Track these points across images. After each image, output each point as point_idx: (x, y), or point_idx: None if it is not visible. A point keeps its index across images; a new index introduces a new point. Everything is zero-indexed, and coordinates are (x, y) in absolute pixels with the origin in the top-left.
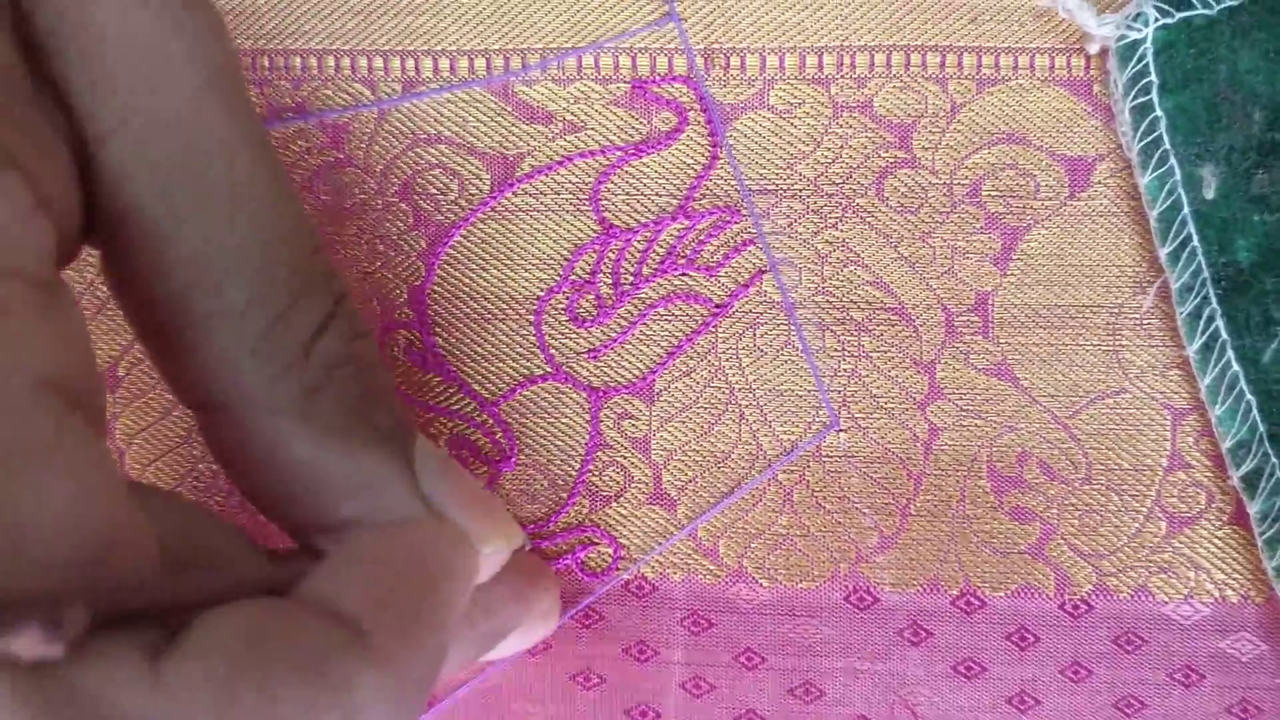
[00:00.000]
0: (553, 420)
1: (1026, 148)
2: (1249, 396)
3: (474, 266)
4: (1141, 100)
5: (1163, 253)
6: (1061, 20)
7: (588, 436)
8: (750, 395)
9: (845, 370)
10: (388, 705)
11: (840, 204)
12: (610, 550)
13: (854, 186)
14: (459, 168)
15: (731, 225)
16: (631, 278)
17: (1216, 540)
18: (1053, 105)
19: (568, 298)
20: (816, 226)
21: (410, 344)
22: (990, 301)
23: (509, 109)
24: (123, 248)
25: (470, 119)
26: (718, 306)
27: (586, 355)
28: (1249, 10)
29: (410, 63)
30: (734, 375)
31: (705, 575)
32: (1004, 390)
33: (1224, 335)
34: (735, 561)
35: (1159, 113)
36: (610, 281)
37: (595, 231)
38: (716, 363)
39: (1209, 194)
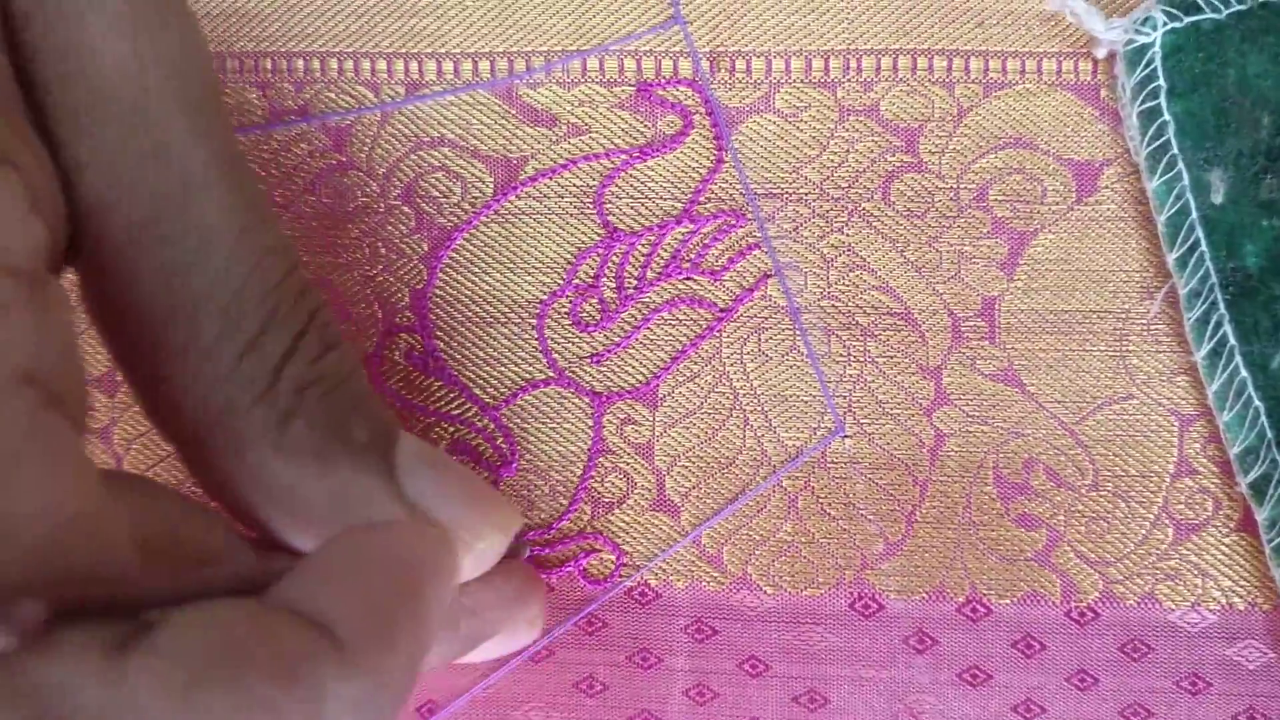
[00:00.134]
0: (555, 425)
1: (1033, 152)
2: (1257, 402)
3: (476, 270)
4: (1149, 105)
5: (1170, 258)
6: (1069, 24)
7: (590, 442)
8: (755, 401)
9: (851, 376)
10: (361, 713)
11: (846, 208)
12: (613, 557)
13: (860, 190)
14: (462, 171)
15: (736, 229)
16: (635, 282)
17: (1224, 547)
18: (1060, 109)
19: (571, 302)
20: (822, 231)
21: (411, 348)
22: (997, 307)
23: (513, 112)
24: (95, 276)
25: (474, 122)
26: (722, 311)
27: (589, 360)
28: (1258, 14)
29: (414, 65)
30: (738, 380)
31: (709, 582)
32: (1010, 396)
33: (1232, 341)
34: (739, 568)
35: (1167, 117)
36: (614, 285)
37: (599, 235)
38: (721, 368)
39: (1217, 199)
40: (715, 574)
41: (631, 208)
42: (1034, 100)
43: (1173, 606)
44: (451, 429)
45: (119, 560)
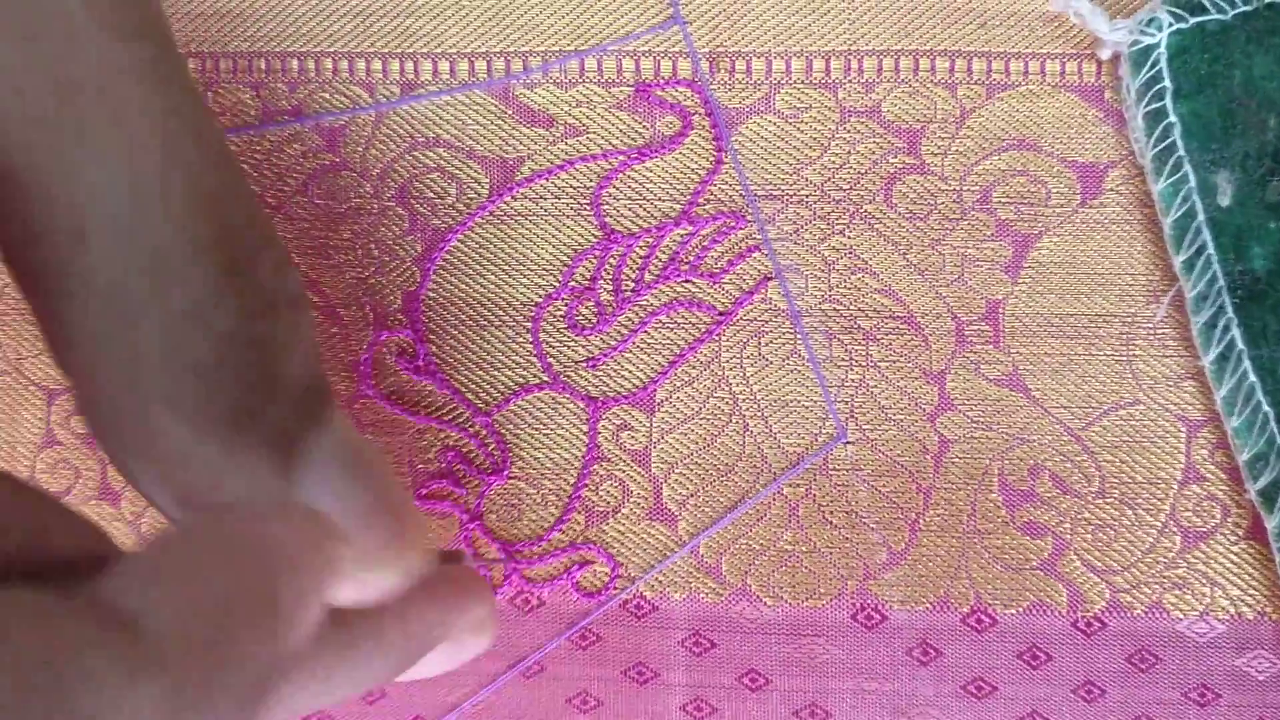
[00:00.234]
0: (548, 431)
1: (1037, 154)
2: (1266, 408)
3: (470, 272)
4: (1155, 106)
5: (1177, 261)
6: (1072, 25)
7: (585, 448)
8: (755, 406)
9: (853, 380)
10: (160, 713)
11: (848, 210)
12: (607, 568)
13: (862, 192)
14: (457, 171)
15: (736, 231)
16: (633, 284)
17: (1232, 555)
18: (1064, 111)
19: (567, 304)
20: (823, 233)
21: (403, 351)
22: (1001, 310)
23: (509, 112)
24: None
25: (470, 122)
26: (721, 314)
27: (585, 364)
28: (1264, 15)
29: (409, 65)
30: (738, 385)
31: (707, 594)
32: (1015, 401)
33: (1240, 345)
34: (738, 579)
35: (1173, 118)
36: (611, 288)
37: (596, 237)
38: (720, 372)
39: (1224, 201)
40: (714, 585)
41: (629, 209)
42: (1038, 102)
43: (1181, 616)
44: (443, 434)
45: None
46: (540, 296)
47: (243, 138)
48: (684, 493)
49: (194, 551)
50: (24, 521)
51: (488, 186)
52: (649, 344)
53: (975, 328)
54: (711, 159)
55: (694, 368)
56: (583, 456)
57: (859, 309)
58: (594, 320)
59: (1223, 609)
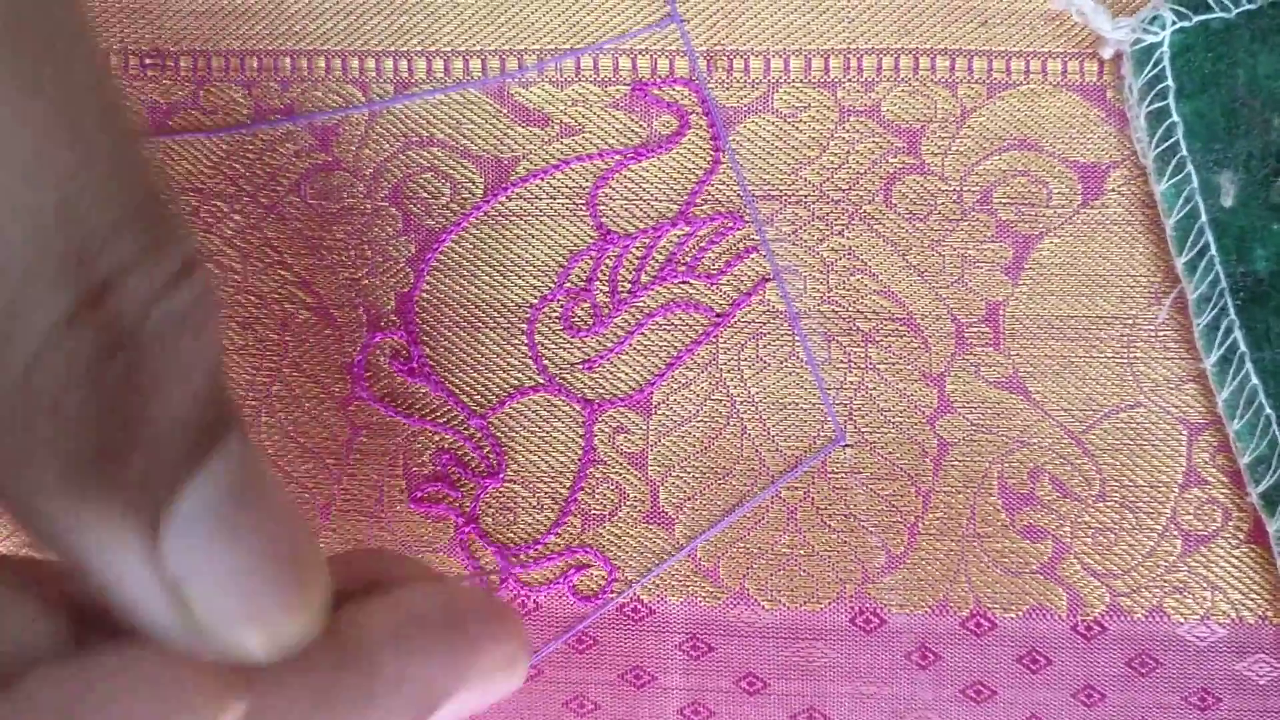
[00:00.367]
0: (544, 434)
1: (1038, 154)
2: (1268, 410)
3: (465, 273)
4: (1158, 105)
5: (1179, 262)
6: (1074, 24)
7: (581, 451)
8: (752, 408)
9: (851, 383)
10: None
11: (847, 210)
12: (604, 572)
13: (861, 193)
14: (452, 171)
15: (734, 232)
16: (629, 285)
17: (1233, 559)
18: (1065, 111)
19: (562, 306)
20: (822, 233)
21: (397, 353)
22: (1001, 312)
23: (504, 111)
24: None
25: (464, 121)
26: (719, 316)
27: (581, 366)
28: (1268, 14)
29: (403, 63)
30: (735, 387)
31: (705, 597)
32: (1015, 404)
33: (1243, 347)
34: (736, 583)
35: (1175, 118)
36: (607, 289)
37: (592, 237)
38: (717, 374)
39: (1227, 201)
40: (711, 589)
41: (626, 209)
42: (1039, 101)
43: (1181, 620)
44: (437, 437)
45: None
46: (535, 297)
47: (235, 137)
48: (681, 496)
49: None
50: None
51: (482, 186)
52: (646, 346)
53: (975, 330)
54: (709, 159)
55: (691, 370)
56: (579, 459)
57: (858, 310)
58: (590, 322)
59: (1224, 613)
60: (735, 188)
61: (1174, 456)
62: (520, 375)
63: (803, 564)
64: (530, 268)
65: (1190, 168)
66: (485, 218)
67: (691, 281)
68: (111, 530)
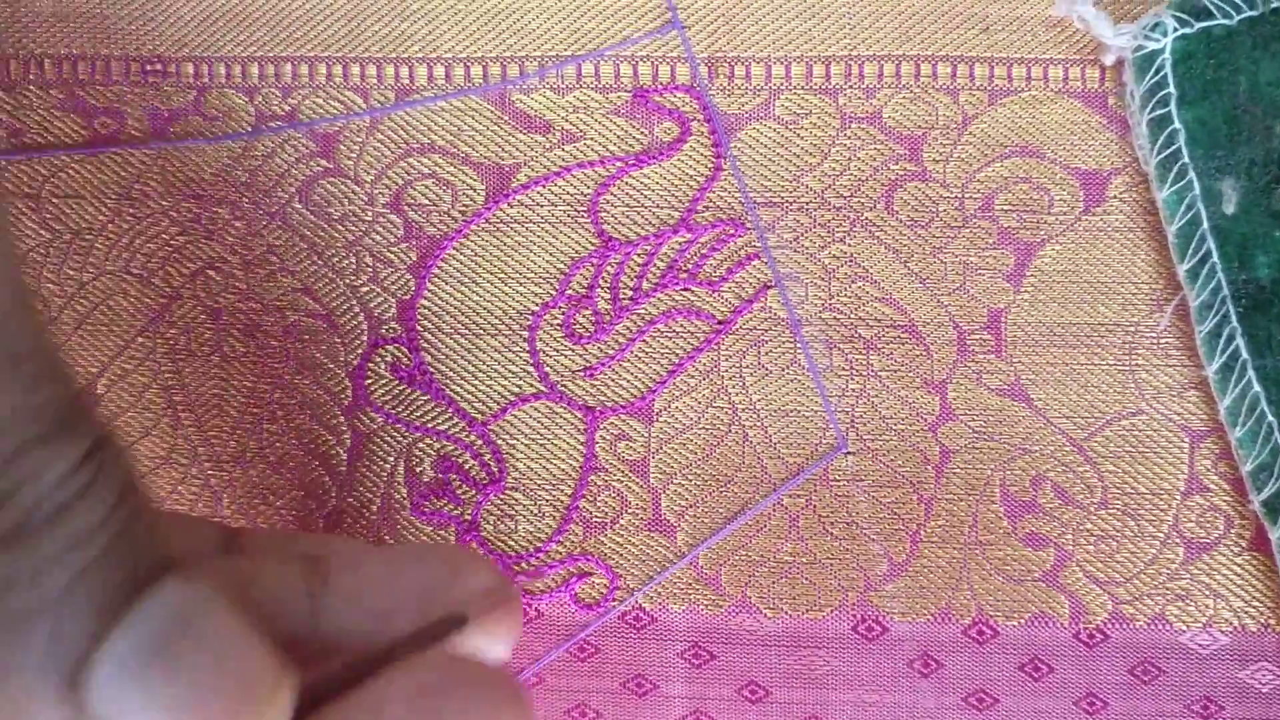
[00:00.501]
0: (545, 441)
1: (1040, 161)
2: (1270, 418)
3: (466, 280)
4: (1159, 112)
5: (1181, 269)
6: (1076, 30)
7: (582, 459)
8: (754, 416)
9: (853, 390)
10: None
11: (848, 217)
12: (606, 580)
13: (862, 199)
14: (452, 178)
15: (735, 239)
16: (631, 292)
17: (1236, 566)
18: (1067, 117)
19: (564, 313)
20: (824, 240)
21: (398, 360)
22: (1003, 319)
23: (506, 118)
24: None
25: (465, 128)
26: (720, 323)
27: (582, 373)
28: (1270, 21)
29: (404, 70)
30: (737, 395)
31: (706, 605)
32: (1017, 411)
33: (1244, 355)
34: (738, 591)
35: (1177, 125)
36: (608, 296)
37: (594, 245)
38: (719, 382)
39: (1229, 209)
40: (713, 596)
41: (627, 216)
42: (1040, 108)
43: (1184, 628)
44: (438, 445)
45: None
46: (537, 305)
47: (236, 144)
48: (683, 503)
49: None
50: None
51: (483, 193)
52: (647, 353)
53: (977, 337)
54: (710, 165)
55: (693, 377)
56: (580, 467)
57: (859, 318)
58: (591, 329)
59: (1226, 621)
60: (737, 194)
61: (1176, 464)
62: (521, 382)
63: (805, 572)
64: (531, 275)
65: (1192, 175)
66: (486, 225)
67: (693, 288)
68: (24, 686)
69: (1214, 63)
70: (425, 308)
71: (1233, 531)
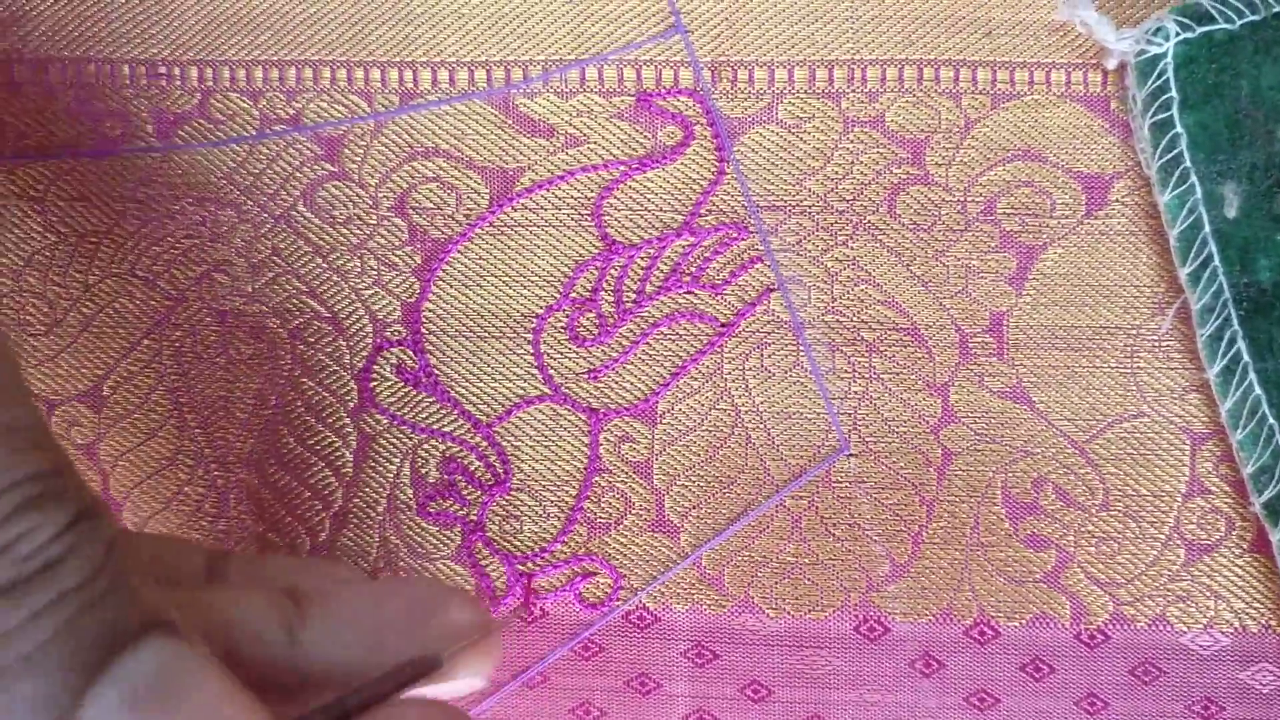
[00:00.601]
0: (550, 443)
1: (1042, 165)
2: (1271, 421)
3: (471, 283)
4: (1161, 116)
5: (1183, 273)
6: (1078, 35)
7: (586, 460)
8: (757, 418)
9: (856, 392)
10: None
11: (851, 221)
12: (610, 580)
13: (865, 203)
14: (457, 182)
15: (738, 242)
16: (634, 295)
17: (1237, 568)
18: (1069, 121)
19: (568, 316)
20: (826, 244)
21: (403, 363)
22: (1005, 322)
23: (509, 122)
24: None
25: (469, 132)
26: (724, 326)
27: (586, 376)
28: (1271, 25)
29: (408, 74)
30: (740, 397)
31: (709, 605)
32: (1019, 414)
33: (1246, 358)
34: (741, 591)
35: (1179, 129)
36: (612, 299)
37: (597, 248)
38: (722, 384)
39: (1231, 213)
40: (716, 597)
41: (631, 220)
42: (1043, 112)
43: (1184, 629)
44: (443, 446)
45: None
46: (541, 308)
47: (240, 148)
48: (686, 505)
49: None
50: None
51: (487, 197)
52: (651, 355)
53: (979, 340)
54: (713, 169)
55: (696, 379)
56: (584, 468)
57: (862, 321)
58: (595, 332)
59: (1227, 622)
60: (740, 198)
61: (1177, 466)
62: (526, 385)
63: (807, 572)
64: (535, 278)
65: (1194, 179)
66: (490, 228)
67: (696, 292)
68: None
69: (1216, 67)
70: (430, 310)
71: (1234, 533)
